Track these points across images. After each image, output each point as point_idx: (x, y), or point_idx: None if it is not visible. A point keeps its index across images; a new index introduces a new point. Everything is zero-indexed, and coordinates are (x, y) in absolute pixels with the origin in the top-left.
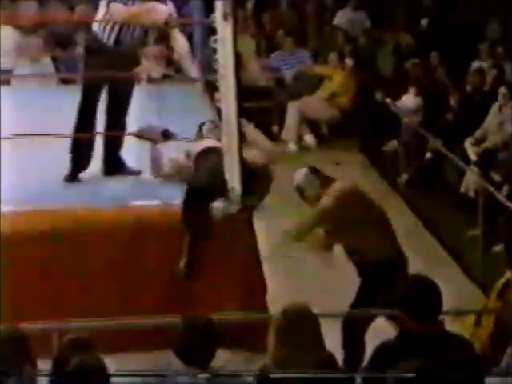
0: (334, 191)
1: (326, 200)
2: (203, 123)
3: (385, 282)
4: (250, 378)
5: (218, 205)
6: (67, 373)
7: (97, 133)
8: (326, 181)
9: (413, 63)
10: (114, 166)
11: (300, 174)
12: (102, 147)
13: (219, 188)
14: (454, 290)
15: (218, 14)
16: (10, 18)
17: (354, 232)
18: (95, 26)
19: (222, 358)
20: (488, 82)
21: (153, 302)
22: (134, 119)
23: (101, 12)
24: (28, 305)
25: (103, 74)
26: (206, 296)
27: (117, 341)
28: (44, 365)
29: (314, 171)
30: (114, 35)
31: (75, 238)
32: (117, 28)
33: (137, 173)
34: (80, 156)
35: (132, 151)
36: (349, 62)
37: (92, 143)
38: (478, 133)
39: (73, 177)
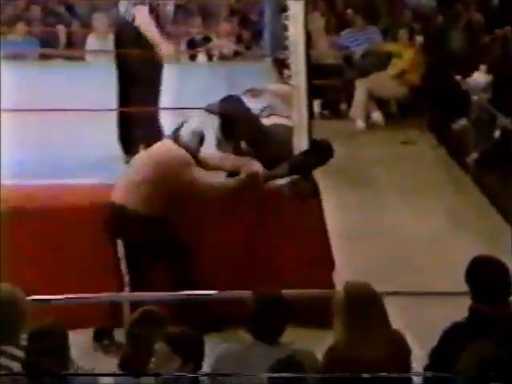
0: None
1: None
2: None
3: None
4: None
5: (285, 181)
6: None
7: (161, 108)
8: None
9: (491, 37)
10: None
11: None
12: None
13: (282, 157)
14: None
15: None
16: None
17: None
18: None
19: (292, 335)
20: None
21: (215, 277)
22: (203, 95)
23: None
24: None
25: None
26: (273, 272)
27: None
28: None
29: None
30: None
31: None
32: None
33: None
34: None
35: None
36: (419, 39)
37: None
38: None
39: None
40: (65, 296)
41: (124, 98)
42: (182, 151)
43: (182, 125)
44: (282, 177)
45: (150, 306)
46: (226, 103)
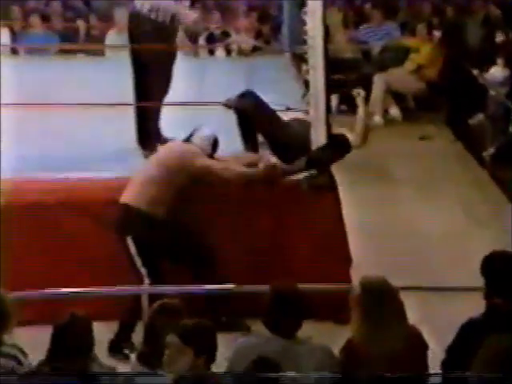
0: None
1: None
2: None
3: None
4: None
5: (302, 175)
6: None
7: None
8: None
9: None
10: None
11: None
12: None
13: (300, 151)
14: None
15: None
16: None
17: None
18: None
19: (309, 330)
20: None
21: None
22: (222, 90)
23: None
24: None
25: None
26: (290, 266)
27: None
28: None
29: None
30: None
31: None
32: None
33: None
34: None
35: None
36: (437, 33)
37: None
38: None
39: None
40: (87, 289)
41: (140, 91)
42: (193, 146)
43: (194, 131)
44: (300, 171)
45: (169, 299)
46: (243, 98)
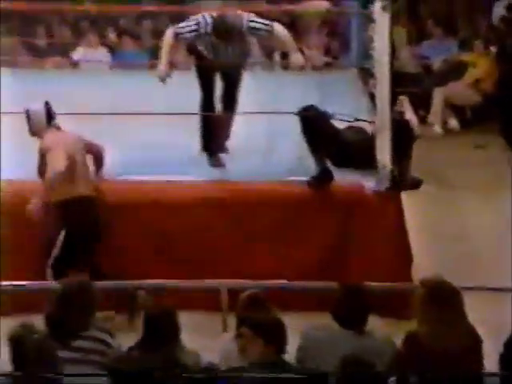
0: None
1: None
2: None
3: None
4: None
5: (369, 183)
6: None
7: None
8: None
9: None
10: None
11: None
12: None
13: (361, 158)
14: None
15: (377, 5)
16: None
17: None
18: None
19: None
20: None
21: (306, 269)
22: (298, 103)
23: None
24: None
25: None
26: (357, 266)
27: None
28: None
29: None
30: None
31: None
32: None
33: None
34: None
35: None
36: (493, 48)
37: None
38: None
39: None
40: (165, 280)
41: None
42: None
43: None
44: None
45: (254, 291)
46: (305, 109)
